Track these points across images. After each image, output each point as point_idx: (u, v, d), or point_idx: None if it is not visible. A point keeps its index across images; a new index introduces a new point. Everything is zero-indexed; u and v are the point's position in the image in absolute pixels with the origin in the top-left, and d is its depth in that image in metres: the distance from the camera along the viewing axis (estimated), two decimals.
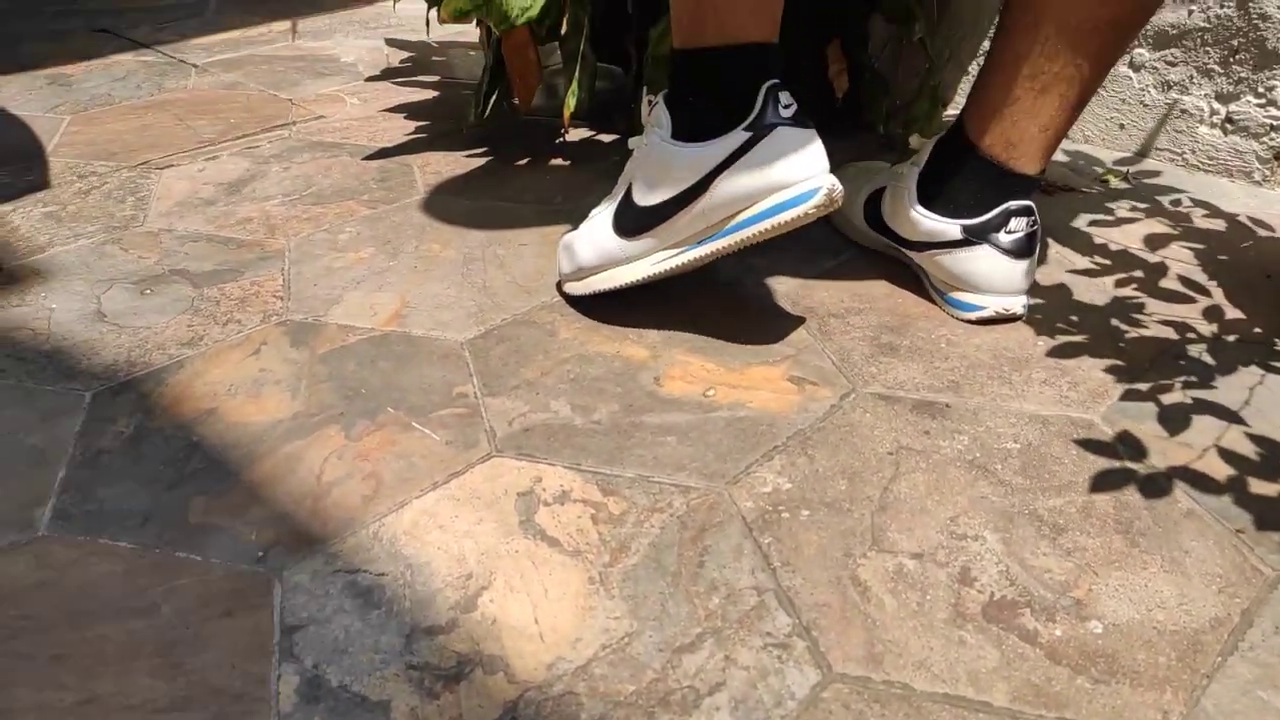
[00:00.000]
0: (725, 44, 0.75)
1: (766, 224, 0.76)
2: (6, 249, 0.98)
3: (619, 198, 0.84)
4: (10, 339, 0.83)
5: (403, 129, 1.31)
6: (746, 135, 0.74)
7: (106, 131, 1.29)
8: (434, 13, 1.23)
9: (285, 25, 1.80)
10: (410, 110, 1.38)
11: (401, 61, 1.60)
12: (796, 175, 0.75)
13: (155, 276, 0.94)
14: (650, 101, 0.82)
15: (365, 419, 0.74)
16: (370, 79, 1.51)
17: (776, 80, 0.75)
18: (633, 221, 0.82)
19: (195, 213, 1.07)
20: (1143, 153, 1.24)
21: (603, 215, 0.85)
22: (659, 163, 0.79)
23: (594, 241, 0.84)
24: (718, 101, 0.76)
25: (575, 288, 0.88)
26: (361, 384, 0.78)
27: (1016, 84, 0.80)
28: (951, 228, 0.85)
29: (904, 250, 0.92)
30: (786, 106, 0.75)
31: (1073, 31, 0.77)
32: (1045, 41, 0.78)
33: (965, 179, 0.85)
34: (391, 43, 1.69)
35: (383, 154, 1.22)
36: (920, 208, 0.87)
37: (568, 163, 1.20)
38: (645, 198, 0.80)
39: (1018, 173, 0.83)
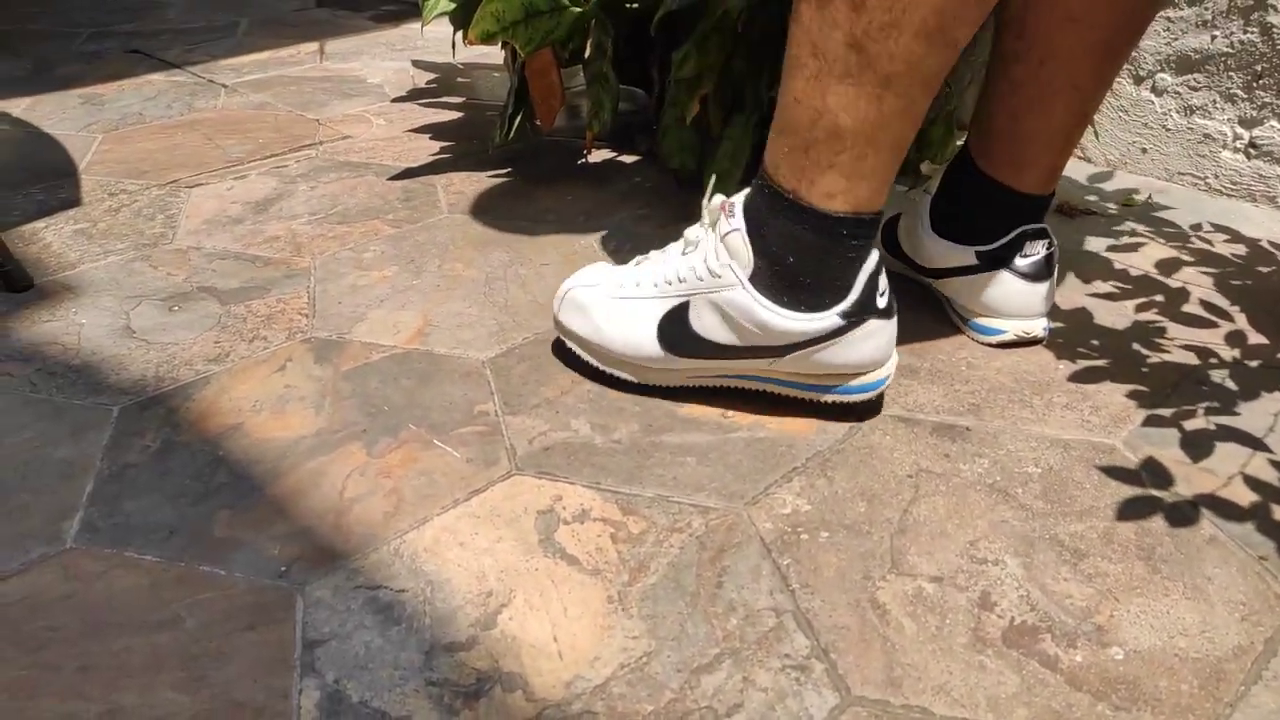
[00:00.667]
0: (832, 211, 0.67)
1: (829, 397, 0.75)
2: (38, 265, 1.00)
3: (669, 303, 0.74)
4: (40, 354, 0.85)
5: (427, 149, 1.32)
6: (841, 323, 0.70)
7: (137, 150, 1.31)
8: (460, 35, 1.24)
9: (313, 47, 1.83)
10: (435, 131, 1.39)
11: (427, 83, 1.62)
12: (872, 363, 0.73)
13: (183, 293, 0.95)
14: (726, 208, 0.72)
15: (387, 436, 0.75)
16: (396, 100, 1.53)
17: (878, 263, 0.70)
18: (684, 345, 0.74)
19: (223, 231, 1.08)
20: (1165, 177, 1.24)
21: (644, 307, 0.75)
22: (737, 311, 0.71)
23: (627, 332, 0.76)
24: (814, 271, 0.69)
25: (583, 355, 0.80)
26: (384, 401, 0.79)
27: (1016, 109, 0.80)
28: (967, 254, 0.85)
29: (922, 276, 0.92)
30: (882, 294, 0.71)
31: (1065, 56, 0.77)
32: (1040, 66, 0.78)
33: (977, 204, 0.85)
34: (418, 64, 1.71)
35: (407, 174, 1.24)
36: (934, 235, 0.87)
37: (590, 183, 1.22)
38: (708, 331, 0.73)
39: (1027, 194, 0.83)
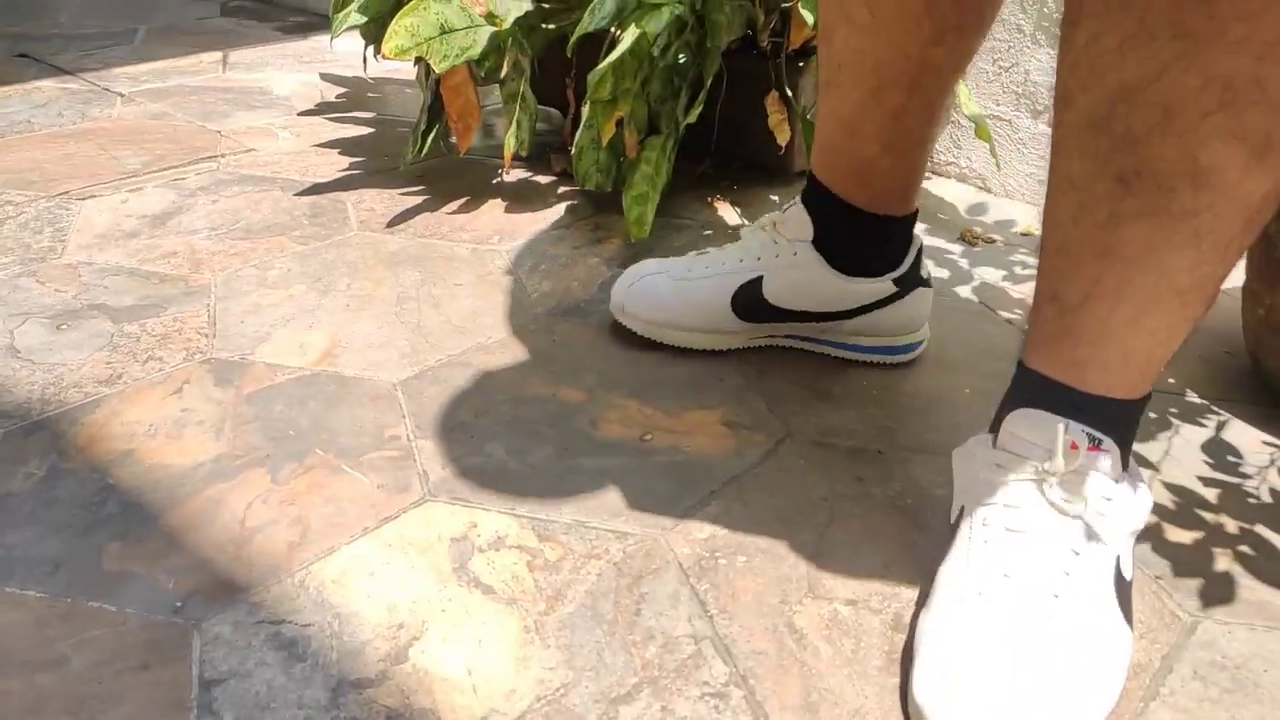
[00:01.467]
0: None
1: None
2: None
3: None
4: None
5: (336, 165, 1.29)
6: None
7: (24, 159, 1.25)
8: (371, 50, 1.22)
9: (216, 56, 1.77)
10: (344, 146, 1.36)
11: (336, 97, 1.58)
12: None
13: (72, 311, 0.90)
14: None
15: (293, 461, 0.72)
16: (303, 113, 1.49)
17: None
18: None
19: (116, 246, 1.03)
20: None
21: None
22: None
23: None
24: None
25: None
26: (289, 425, 0.76)
27: (907, 153, 0.79)
28: (885, 284, 0.85)
29: (812, 324, 0.88)
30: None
31: (943, 99, 0.77)
32: (926, 110, 0.77)
33: (867, 237, 0.84)
34: (326, 78, 1.68)
35: (315, 190, 1.21)
36: (845, 276, 0.84)
37: (504, 203, 1.20)
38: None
39: (899, 217, 0.84)
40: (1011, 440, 0.61)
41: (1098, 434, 0.59)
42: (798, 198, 0.85)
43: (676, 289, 0.87)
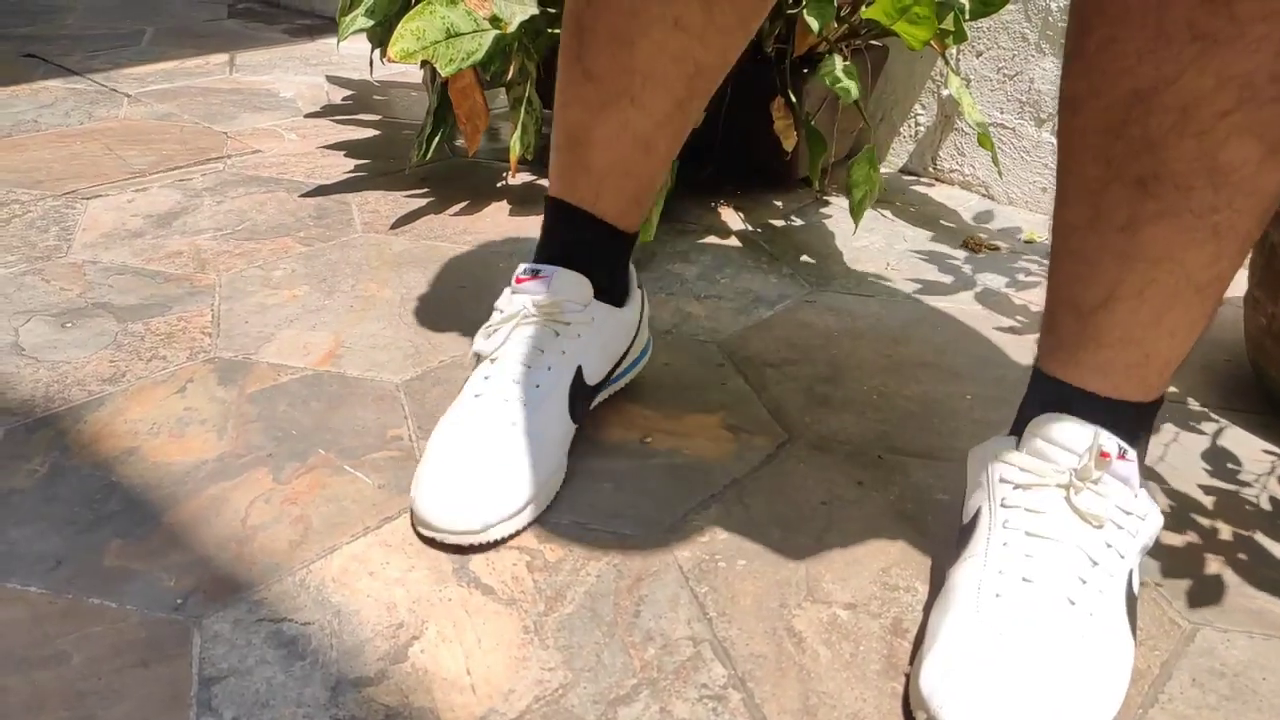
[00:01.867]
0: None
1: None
2: None
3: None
4: None
5: (342, 167, 1.30)
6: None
7: (31, 159, 1.25)
8: (377, 53, 1.23)
9: (223, 58, 1.78)
10: (350, 148, 1.37)
11: (342, 99, 1.59)
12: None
13: (77, 309, 0.91)
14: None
15: (295, 461, 0.72)
16: (310, 115, 1.50)
17: None
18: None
19: (122, 245, 1.04)
20: None
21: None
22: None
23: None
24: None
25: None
26: (292, 425, 0.76)
27: (659, 162, 0.74)
28: (636, 294, 0.80)
29: (610, 382, 0.79)
30: None
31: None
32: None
33: (624, 259, 0.78)
34: (333, 80, 1.68)
35: (321, 191, 1.21)
36: (622, 309, 0.77)
37: (508, 206, 1.21)
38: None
39: (630, 232, 0.78)
40: (1038, 444, 0.61)
41: (1125, 445, 0.59)
42: (548, 270, 0.73)
43: (532, 441, 0.68)
